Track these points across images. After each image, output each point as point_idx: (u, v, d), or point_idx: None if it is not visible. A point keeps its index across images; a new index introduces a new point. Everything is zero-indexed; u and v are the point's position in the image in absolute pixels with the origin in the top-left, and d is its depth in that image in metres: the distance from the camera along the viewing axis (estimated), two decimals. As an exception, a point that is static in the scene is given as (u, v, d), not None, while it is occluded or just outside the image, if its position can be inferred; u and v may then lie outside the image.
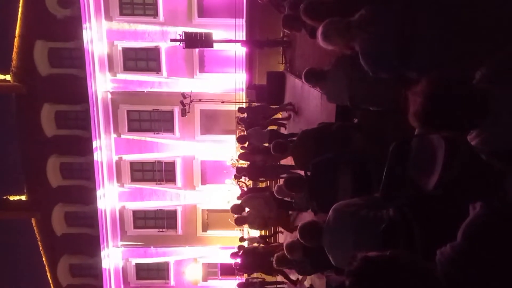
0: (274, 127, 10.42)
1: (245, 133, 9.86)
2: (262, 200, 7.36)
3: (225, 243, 16.08)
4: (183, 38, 11.35)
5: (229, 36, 12.91)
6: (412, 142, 2.35)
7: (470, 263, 1.41)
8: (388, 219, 2.36)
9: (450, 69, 2.24)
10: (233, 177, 12.35)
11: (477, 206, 1.49)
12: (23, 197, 17.16)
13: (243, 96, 13.35)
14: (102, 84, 15.39)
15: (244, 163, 10.38)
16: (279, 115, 10.49)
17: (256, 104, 11.25)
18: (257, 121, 9.58)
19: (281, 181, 5.91)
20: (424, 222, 2.20)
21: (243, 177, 10.37)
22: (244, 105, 13.19)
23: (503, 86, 1.60)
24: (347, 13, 2.59)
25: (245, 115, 10.78)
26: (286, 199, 6.52)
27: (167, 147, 16.29)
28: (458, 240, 1.47)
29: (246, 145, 9.05)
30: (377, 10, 2.50)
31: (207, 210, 17.06)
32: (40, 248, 17.32)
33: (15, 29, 15.42)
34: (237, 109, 11.76)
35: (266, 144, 8.52)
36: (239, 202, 8.19)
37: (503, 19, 2.10)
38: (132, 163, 16.53)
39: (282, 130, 10.19)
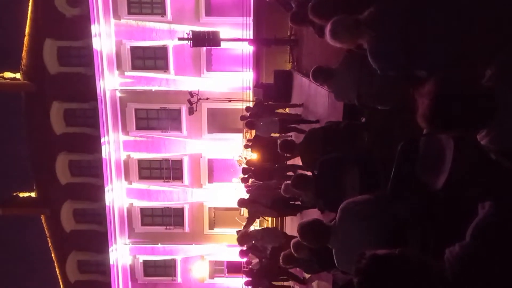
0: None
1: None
2: (266, 189, 7.24)
3: (232, 241, 16.05)
4: (191, 36, 11.38)
5: (237, 35, 12.92)
6: (420, 141, 2.34)
7: (478, 262, 1.40)
8: (399, 218, 2.35)
9: (458, 68, 2.22)
10: (239, 179, 12.36)
11: (486, 206, 1.49)
12: (33, 194, 17.37)
13: (250, 95, 13.36)
14: (110, 83, 15.50)
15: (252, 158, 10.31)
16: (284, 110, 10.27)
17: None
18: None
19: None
20: (433, 221, 2.19)
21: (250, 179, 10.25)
22: (251, 104, 13.20)
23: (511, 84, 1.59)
24: (355, 11, 2.58)
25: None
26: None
27: (175, 145, 16.37)
28: (467, 239, 1.46)
29: (254, 131, 8.93)
30: (386, 8, 2.49)
31: (214, 208, 17.11)
32: (49, 244, 17.52)
33: (25, 28, 15.58)
34: (244, 108, 11.66)
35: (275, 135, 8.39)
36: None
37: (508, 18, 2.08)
38: (139, 161, 16.64)
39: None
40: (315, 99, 7.39)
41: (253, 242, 7.28)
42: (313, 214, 6.58)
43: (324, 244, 2.69)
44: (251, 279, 8.27)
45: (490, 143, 1.64)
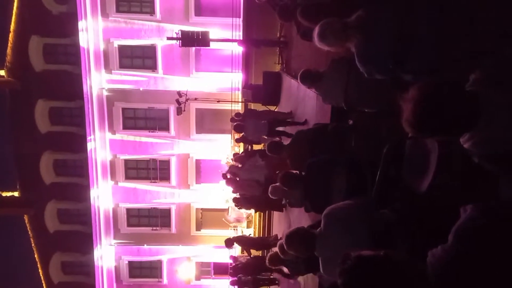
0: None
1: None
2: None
3: (219, 243, 16.03)
4: (180, 36, 11.32)
5: (226, 35, 12.90)
6: (406, 144, 2.37)
7: (460, 264, 1.43)
8: (384, 221, 2.37)
9: (443, 73, 2.26)
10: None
11: (468, 209, 1.51)
12: (16, 194, 17.02)
13: (239, 96, 13.35)
14: (97, 81, 15.30)
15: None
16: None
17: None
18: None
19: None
20: (417, 223, 2.22)
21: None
22: (240, 105, 13.20)
23: (495, 89, 1.62)
24: (344, 14, 2.61)
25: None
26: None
27: (162, 146, 16.24)
28: (449, 242, 1.48)
29: (241, 135, 8.93)
30: (374, 12, 2.52)
31: (201, 209, 17.03)
32: (32, 245, 17.19)
33: (10, 24, 15.29)
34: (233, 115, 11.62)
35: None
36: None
37: (499, 22, 2.13)
38: (126, 161, 16.46)
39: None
40: (304, 101, 7.43)
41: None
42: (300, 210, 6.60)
43: (311, 253, 2.67)
44: (236, 275, 8.33)
45: (473, 147, 1.67)
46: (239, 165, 8.70)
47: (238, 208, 10.55)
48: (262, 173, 7.23)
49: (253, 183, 7.43)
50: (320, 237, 2.59)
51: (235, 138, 11.09)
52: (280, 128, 8.55)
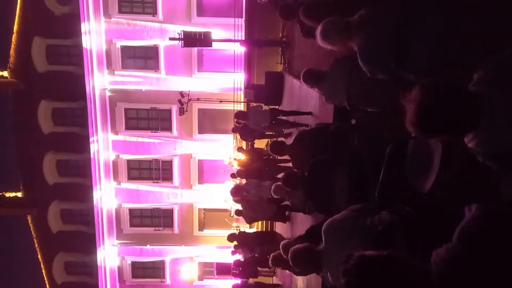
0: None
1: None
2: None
3: (222, 243, 16.04)
4: (182, 37, 11.33)
5: (228, 36, 12.90)
6: (409, 144, 2.36)
7: (464, 264, 1.42)
8: (385, 222, 2.36)
9: (446, 72, 2.25)
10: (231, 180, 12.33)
11: (472, 208, 1.50)
12: (19, 194, 17.09)
13: (241, 96, 13.35)
14: (100, 82, 15.34)
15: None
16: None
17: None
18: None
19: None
20: (420, 223, 2.21)
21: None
22: (242, 105, 13.20)
23: (499, 88, 1.61)
24: (346, 13, 2.60)
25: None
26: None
27: (165, 146, 16.27)
28: (453, 241, 1.48)
29: (241, 125, 8.82)
30: (377, 11, 2.51)
31: (204, 209, 17.04)
32: (36, 245, 17.25)
33: (13, 25, 15.36)
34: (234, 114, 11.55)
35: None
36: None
37: (501, 21, 2.12)
38: (129, 161, 16.49)
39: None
40: (306, 101, 7.42)
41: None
42: (304, 220, 6.59)
43: (319, 269, 2.64)
44: (241, 268, 8.38)
45: (477, 146, 1.66)
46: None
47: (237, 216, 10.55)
48: (268, 192, 7.26)
49: (263, 203, 7.47)
50: (324, 254, 2.57)
51: (232, 127, 10.84)
52: (283, 118, 8.49)
